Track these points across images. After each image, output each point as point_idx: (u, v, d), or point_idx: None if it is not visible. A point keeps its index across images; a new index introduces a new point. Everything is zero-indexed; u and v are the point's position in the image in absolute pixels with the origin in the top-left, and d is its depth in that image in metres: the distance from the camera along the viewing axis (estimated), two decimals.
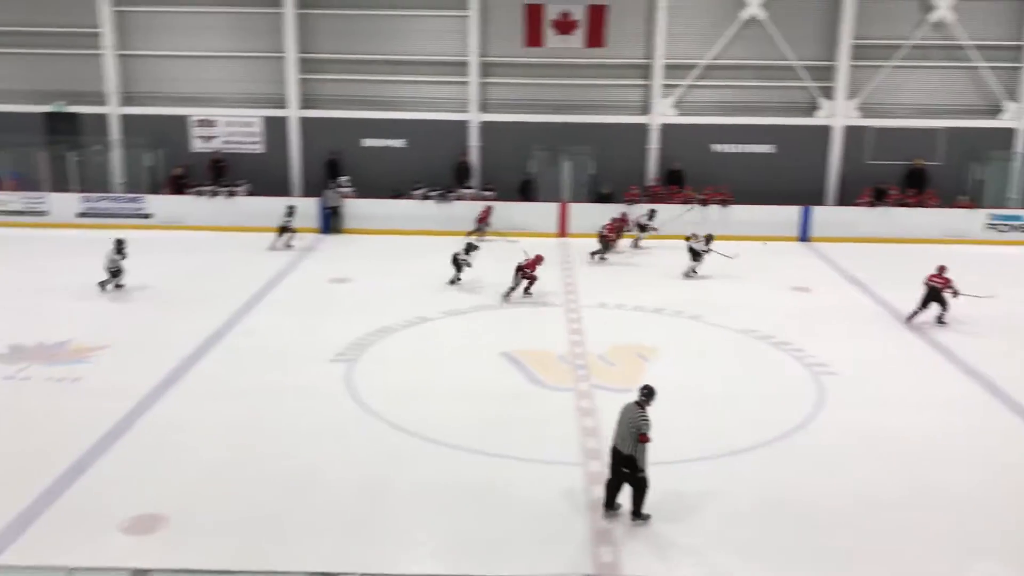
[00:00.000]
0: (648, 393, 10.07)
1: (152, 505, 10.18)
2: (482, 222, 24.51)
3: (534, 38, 25.85)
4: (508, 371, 14.73)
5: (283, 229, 23.24)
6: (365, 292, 19.49)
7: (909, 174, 25.82)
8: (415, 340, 16.28)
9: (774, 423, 12.70)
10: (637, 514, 10.02)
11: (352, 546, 9.59)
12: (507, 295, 18.70)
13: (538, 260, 18.92)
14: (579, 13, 25.62)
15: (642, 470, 9.85)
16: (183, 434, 12.18)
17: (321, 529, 9.85)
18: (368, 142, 26.80)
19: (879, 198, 25.16)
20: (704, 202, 24.80)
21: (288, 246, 23.08)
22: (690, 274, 20.71)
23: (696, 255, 20.78)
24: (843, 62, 25.71)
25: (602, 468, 10.96)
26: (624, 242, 23.40)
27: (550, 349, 15.74)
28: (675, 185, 25.81)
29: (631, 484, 9.98)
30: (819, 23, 25.81)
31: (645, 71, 26.30)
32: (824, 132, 26.26)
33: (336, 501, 10.45)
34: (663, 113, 26.30)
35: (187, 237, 24.37)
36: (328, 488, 10.74)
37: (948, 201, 25.32)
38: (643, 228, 23.87)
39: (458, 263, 19.70)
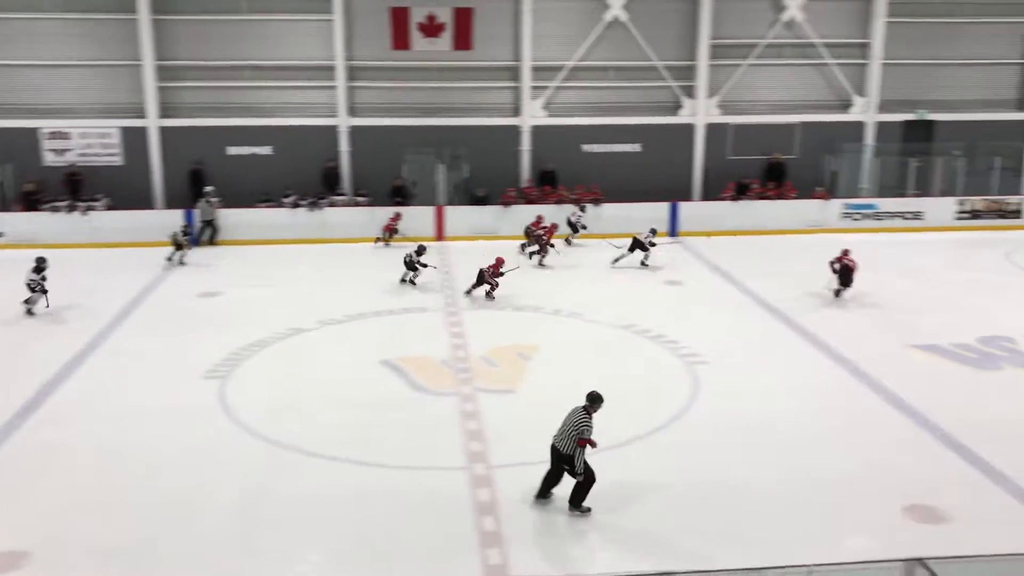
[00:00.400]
0: (593, 399, 10.21)
1: (12, 540, 9.57)
2: (389, 229, 24.22)
3: (401, 41, 25.68)
4: (389, 379, 14.55)
5: (178, 245, 22.41)
6: (236, 305, 18.89)
7: (769, 168, 26.89)
8: (291, 352, 15.88)
9: (651, 415, 12.96)
10: (574, 505, 10.19)
11: (233, 567, 9.27)
12: (468, 292, 19.14)
13: (499, 263, 19.10)
14: (445, 16, 25.59)
15: (581, 472, 10.02)
16: (46, 462, 11.52)
17: (199, 552, 9.48)
18: (233, 150, 26.01)
19: (742, 192, 26.10)
20: (577, 202, 25.17)
21: (182, 263, 22.23)
22: (644, 263, 21.63)
23: (642, 247, 21.60)
24: (702, 62, 26.57)
25: (487, 471, 10.98)
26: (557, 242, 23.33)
27: (431, 354, 15.63)
28: (548, 186, 26.10)
29: (573, 478, 10.16)
30: (678, 24, 26.59)
31: (514, 73, 26.51)
32: (688, 130, 27.08)
33: (213, 522, 10.07)
34: (533, 115, 26.58)
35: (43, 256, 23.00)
36: (204, 509, 10.34)
37: (805, 193, 26.48)
38: (575, 228, 24.21)
39: (412, 265, 19.85)
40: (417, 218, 24.74)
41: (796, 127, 27.26)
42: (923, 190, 27.04)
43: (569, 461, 10.08)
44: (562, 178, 26.20)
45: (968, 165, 27.06)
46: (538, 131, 26.67)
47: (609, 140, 26.92)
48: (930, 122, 27.65)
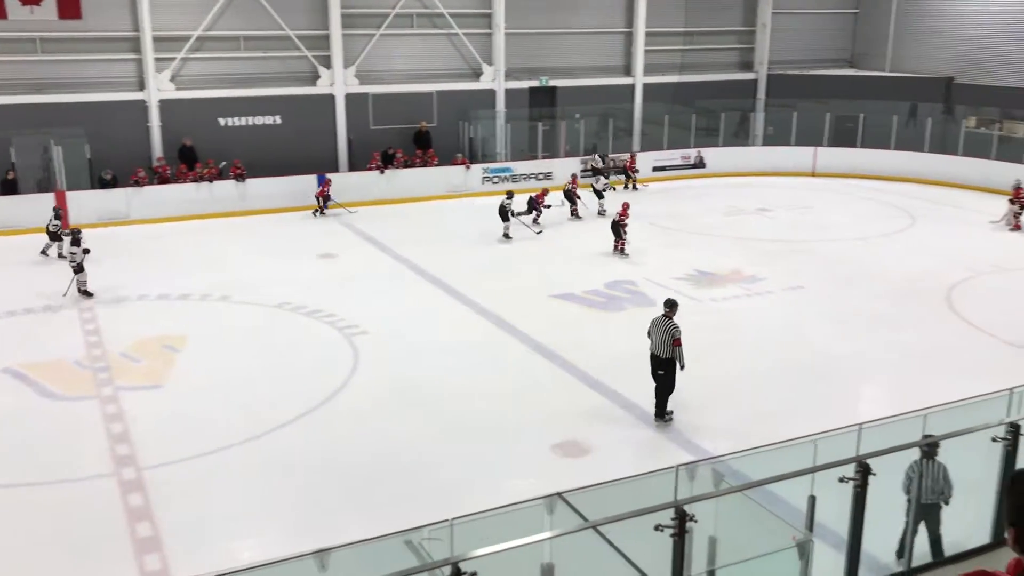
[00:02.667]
0: (671, 304, 11.90)
1: None
2: (322, 196, 24.19)
3: None
4: (13, 389, 13.02)
5: (53, 235, 19.95)
6: None
7: (416, 136, 27.47)
8: None
9: (314, 391, 12.84)
10: (660, 415, 11.69)
11: None
12: (516, 214, 21.59)
13: (544, 192, 22.60)
14: None
15: (683, 366, 11.59)
16: None
17: None
18: None
19: (387, 161, 26.45)
20: (222, 176, 24.12)
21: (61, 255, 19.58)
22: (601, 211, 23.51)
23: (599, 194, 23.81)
24: (335, 31, 26.37)
25: (136, 474, 10.27)
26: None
27: (63, 356, 14.21)
28: (186, 163, 24.64)
29: (664, 385, 11.62)
30: None
31: (135, 44, 24.55)
32: (328, 100, 26.84)
33: None
34: (161, 88, 24.85)
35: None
36: None
37: (447, 159, 27.45)
38: (600, 194, 24.24)
39: (505, 214, 21.62)
40: (32, 206, 22.08)
41: (433, 96, 28.07)
42: (552, 152, 29.15)
43: (669, 364, 11.54)
44: (201, 154, 24.86)
45: (588, 127, 29.60)
46: (168, 105, 25.01)
47: (247, 113, 25.96)
48: (553, 88, 29.78)
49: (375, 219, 23.93)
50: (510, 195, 22.27)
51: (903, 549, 7.60)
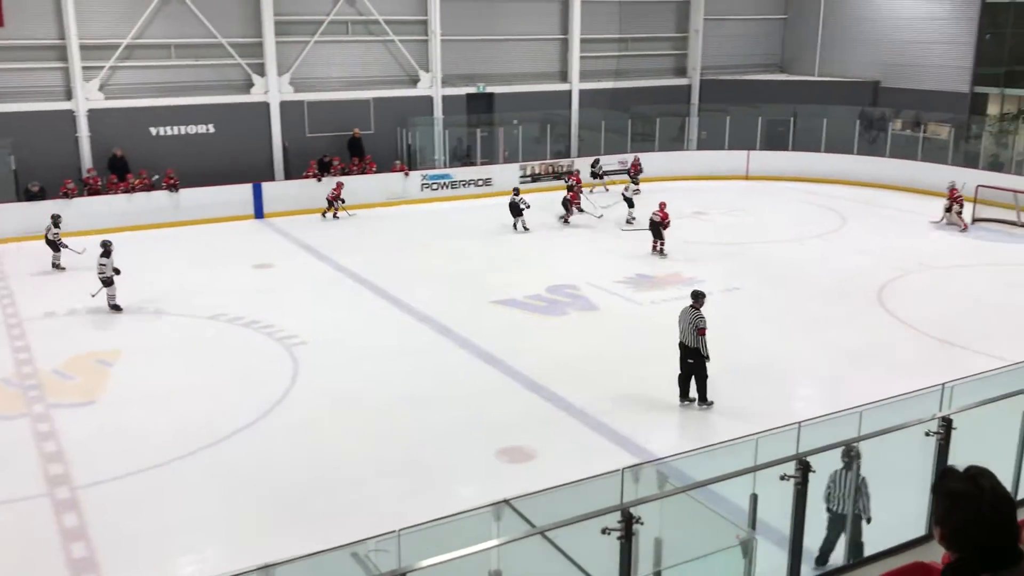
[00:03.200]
0: (697, 295, 12.44)
1: None
2: (336, 199, 24.86)
3: None
4: None
5: (53, 243, 19.70)
6: None
7: (349, 144, 27.26)
8: None
9: (253, 403, 12.64)
10: (703, 399, 12.31)
11: None
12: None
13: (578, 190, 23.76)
14: None
15: (707, 356, 12.11)
16: None
17: None
18: None
19: (324, 169, 26.19)
20: (155, 187, 23.67)
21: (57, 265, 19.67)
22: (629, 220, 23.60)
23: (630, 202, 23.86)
24: (269, 39, 26.05)
25: (71, 493, 9.99)
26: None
27: None
28: (116, 173, 24.08)
29: (695, 374, 12.20)
30: (240, 0, 25.79)
31: (61, 53, 23.94)
32: (263, 108, 26.47)
33: None
34: (89, 97, 24.27)
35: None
36: None
37: (385, 167, 27.29)
38: (630, 202, 24.32)
39: (518, 208, 22.76)
40: None
41: (370, 103, 27.89)
42: (490, 158, 29.19)
43: (696, 353, 12.08)
44: (132, 164, 24.31)
45: (525, 133, 29.71)
46: (97, 115, 24.42)
47: (180, 122, 25.48)
48: (490, 94, 29.84)
49: (312, 228, 23.66)
50: (516, 191, 23.50)
51: (823, 556, 7.79)
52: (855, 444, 7.39)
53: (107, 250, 16.88)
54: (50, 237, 19.79)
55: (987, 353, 13.92)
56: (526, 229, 22.97)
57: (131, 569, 8.92)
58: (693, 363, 12.28)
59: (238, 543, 9.31)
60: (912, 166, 28.00)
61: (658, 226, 20.52)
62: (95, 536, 9.39)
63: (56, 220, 20.05)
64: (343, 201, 24.96)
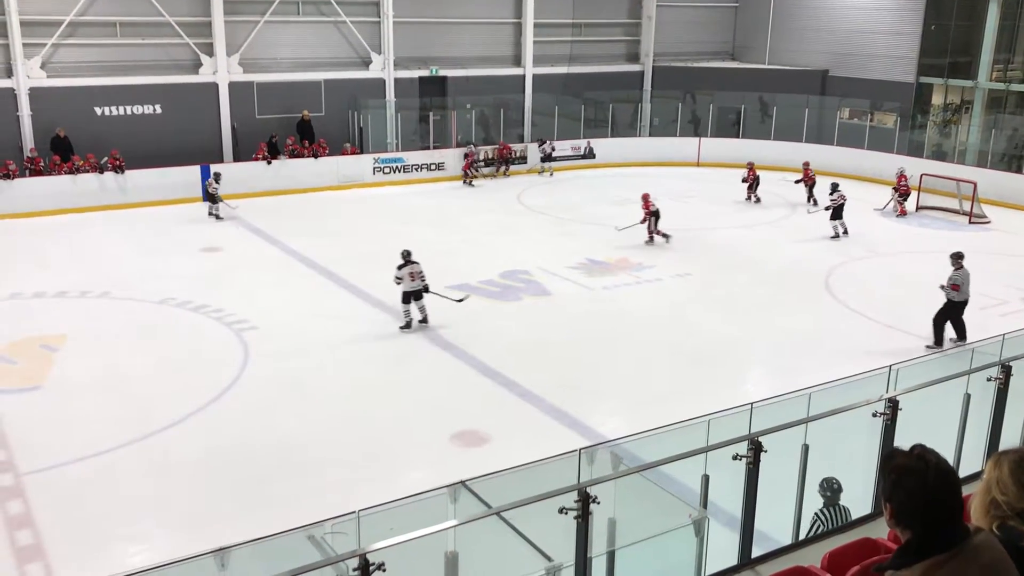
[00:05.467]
0: (957, 256, 14.17)
1: None
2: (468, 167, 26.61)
3: None
4: None
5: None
6: None
7: (298, 126, 26.91)
8: None
9: (203, 388, 12.48)
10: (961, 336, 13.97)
11: None
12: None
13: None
14: None
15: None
16: None
17: None
18: None
19: (274, 151, 25.83)
20: (102, 170, 23.15)
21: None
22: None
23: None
24: (217, 18, 25.55)
25: (15, 480, 9.78)
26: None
27: None
28: (59, 154, 23.48)
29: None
30: None
31: (1, 29, 23.24)
32: (211, 89, 26.01)
33: None
34: (30, 75, 23.61)
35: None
36: None
37: (336, 149, 27.00)
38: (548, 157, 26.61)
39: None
40: None
41: (321, 84, 27.56)
42: (442, 142, 29.04)
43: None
44: (77, 145, 23.74)
45: (479, 117, 29.61)
46: (40, 93, 23.79)
47: (125, 102, 24.93)
48: (443, 78, 29.66)
49: (262, 211, 23.31)
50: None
51: None
52: (834, 478, 7.44)
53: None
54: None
55: (930, 337, 14.26)
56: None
57: (79, 556, 8.78)
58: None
59: (190, 529, 9.20)
60: (859, 154, 28.48)
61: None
62: (41, 523, 9.21)
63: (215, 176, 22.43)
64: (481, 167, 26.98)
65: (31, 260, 18.58)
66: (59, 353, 13.78)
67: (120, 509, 9.56)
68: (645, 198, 20.55)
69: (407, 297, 14.81)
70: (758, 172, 25.20)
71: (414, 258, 14.91)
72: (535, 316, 15.94)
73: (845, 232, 21.16)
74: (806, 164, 24.87)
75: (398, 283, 14.69)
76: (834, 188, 21.21)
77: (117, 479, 10.16)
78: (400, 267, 14.73)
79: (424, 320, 14.99)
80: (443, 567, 5.53)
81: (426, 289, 14.92)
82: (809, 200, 24.19)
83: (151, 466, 10.46)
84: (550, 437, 11.25)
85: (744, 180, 24.94)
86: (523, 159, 28.98)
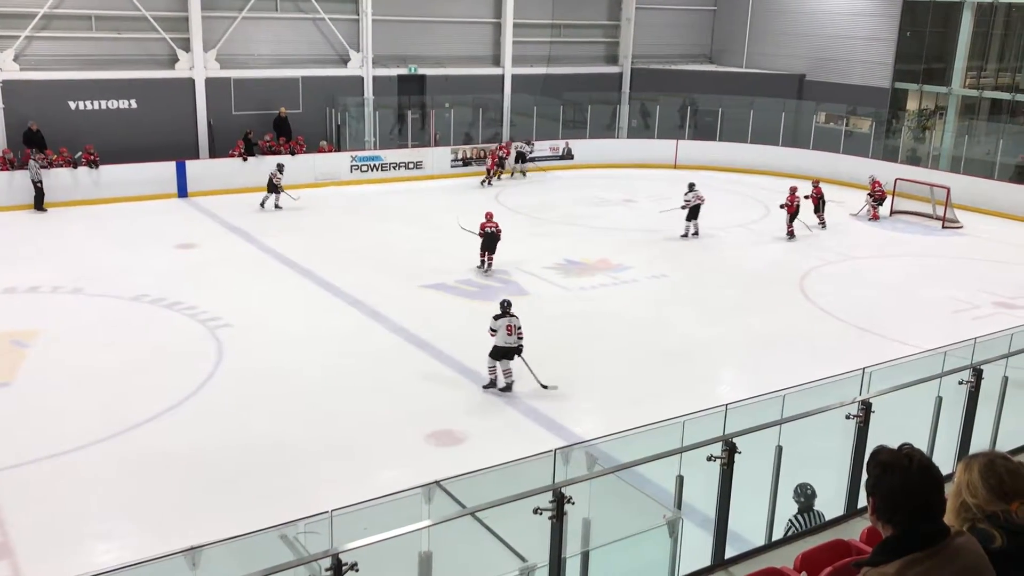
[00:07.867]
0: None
1: None
2: (494, 164, 27.04)
3: None
4: None
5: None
6: None
7: (275, 123, 26.74)
8: None
9: (176, 386, 12.37)
10: None
11: None
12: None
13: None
14: None
15: None
16: None
17: None
18: None
19: (250, 149, 25.65)
20: (75, 164, 22.90)
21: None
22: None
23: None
24: (195, 13, 25.34)
25: None
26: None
27: None
28: (31, 147, 23.18)
29: None
30: None
31: None
32: (187, 85, 25.78)
33: None
34: (3, 68, 23.31)
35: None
36: None
37: (314, 147, 26.86)
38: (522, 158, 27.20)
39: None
40: None
41: (299, 81, 27.41)
42: (421, 141, 28.97)
43: None
44: (50, 139, 23.46)
45: (457, 116, 29.56)
46: (12, 87, 23.49)
47: (100, 96, 24.67)
48: (422, 76, 29.58)
49: (237, 208, 23.14)
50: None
51: None
52: (808, 484, 7.47)
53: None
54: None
55: (902, 341, 14.39)
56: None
57: (48, 555, 8.66)
58: None
59: (161, 528, 9.11)
60: (834, 158, 28.70)
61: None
62: (10, 521, 9.08)
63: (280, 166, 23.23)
64: (509, 164, 27.48)
65: (1, 255, 18.33)
66: (30, 349, 13.61)
67: (90, 507, 9.46)
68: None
69: (497, 352, 12.54)
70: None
71: (513, 311, 12.67)
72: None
73: (696, 233, 21.20)
74: (816, 182, 23.28)
75: (492, 335, 12.47)
76: (691, 187, 21.39)
77: (88, 477, 10.04)
78: (496, 317, 12.52)
79: (508, 388, 12.53)
80: (416, 567, 5.51)
81: (519, 351, 12.52)
82: (817, 215, 22.82)
83: (122, 464, 10.35)
84: (525, 437, 11.25)
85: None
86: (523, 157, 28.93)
